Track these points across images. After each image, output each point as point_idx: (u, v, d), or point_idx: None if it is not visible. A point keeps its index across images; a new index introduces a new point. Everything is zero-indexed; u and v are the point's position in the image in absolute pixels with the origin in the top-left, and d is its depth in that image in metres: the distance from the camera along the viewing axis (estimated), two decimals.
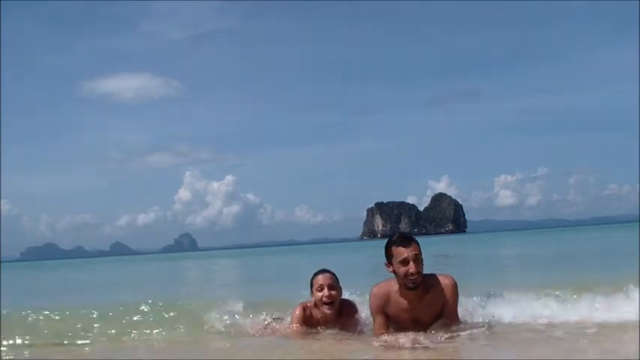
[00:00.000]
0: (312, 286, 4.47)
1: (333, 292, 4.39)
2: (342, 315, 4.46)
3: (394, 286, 3.92)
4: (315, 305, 4.46)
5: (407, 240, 3.84)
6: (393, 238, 3.90)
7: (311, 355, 3.99)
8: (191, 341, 5.00)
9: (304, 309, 4.51)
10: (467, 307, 4.44)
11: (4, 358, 4.66)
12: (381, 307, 3.94)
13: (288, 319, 4.72)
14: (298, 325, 4.45)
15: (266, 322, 5.05)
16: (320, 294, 4.38)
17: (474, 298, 4.77)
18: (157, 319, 5.84)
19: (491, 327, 4.35)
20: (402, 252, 3.79)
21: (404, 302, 3.89)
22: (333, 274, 4.52)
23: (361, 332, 4.40)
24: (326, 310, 4.39)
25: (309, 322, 4.46)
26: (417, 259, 3.78)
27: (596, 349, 3.56)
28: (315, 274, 4.52)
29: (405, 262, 3.78)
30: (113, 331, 5.48)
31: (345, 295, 4.67)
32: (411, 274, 3.77)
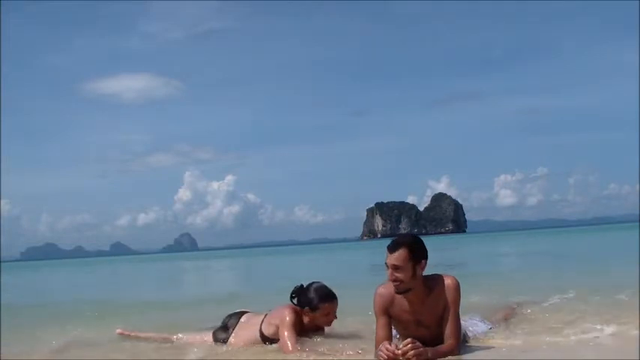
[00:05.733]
0: (317, 306, 4.38)
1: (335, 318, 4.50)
2: None
3: None
4: (306, 315, 4.40)
5: (393, 246, 3.70)
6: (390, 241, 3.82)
7: None
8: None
9: (297, 315, 4.37)
10: (467, 309, 4.39)
11: (4, 358, 4.65)
12: (385, 307, 3.83)
13: (256, 319, 4.59)
14: (295, 341, 4.21)
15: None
16: (326, 319, 4.41)
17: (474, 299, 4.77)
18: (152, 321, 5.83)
19: (490, 329, 4.35)
20: (387, 257, 3.71)
21: (407, 304, 3.78)
22: None
23: None
24: (325, 327, 4.47)
25: (299, 327, 4.34)
26: (396, 269, 3.65)
27: (598, 351, 3.54)
28: (328, 299, 4.43)
29: (387, 266, 3.71)
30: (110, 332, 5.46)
31: None
32: (390, 280, 3.71)
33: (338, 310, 4.50)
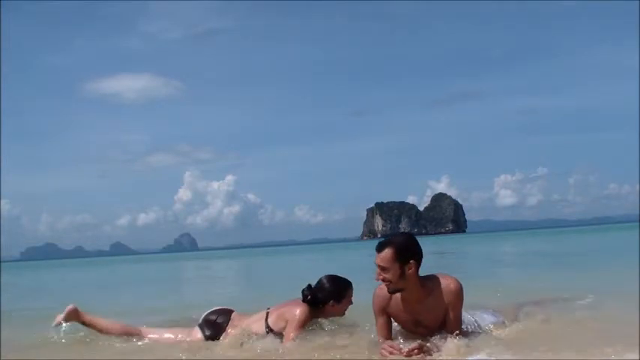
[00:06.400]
0: (344, 295, 4.49)
1: None
2: None
3: None
4: (330, 309, 4.44)
5: (379, 246, 3.66)
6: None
7: None
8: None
9: (309, 313, 4.34)
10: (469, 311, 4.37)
11: (4, 358, 4.64)
12: (383, 307, 3.82)
13: (255, 317, 4.51)
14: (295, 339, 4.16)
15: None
16: (345, 307, 4.51)
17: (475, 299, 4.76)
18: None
19: (492, 333, 4.33)
20: (376, 256, 3.67)
21: (404, 304, 3.76)
22: None
23: None
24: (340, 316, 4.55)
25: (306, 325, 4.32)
26: (383, 269, 3.61)
27: (598, 352, 3.53)
28: (349, 284, 4.57)
29: (376, 266, 3.69)
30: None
31: None
32: (377, 280, 3.69)
33: None
